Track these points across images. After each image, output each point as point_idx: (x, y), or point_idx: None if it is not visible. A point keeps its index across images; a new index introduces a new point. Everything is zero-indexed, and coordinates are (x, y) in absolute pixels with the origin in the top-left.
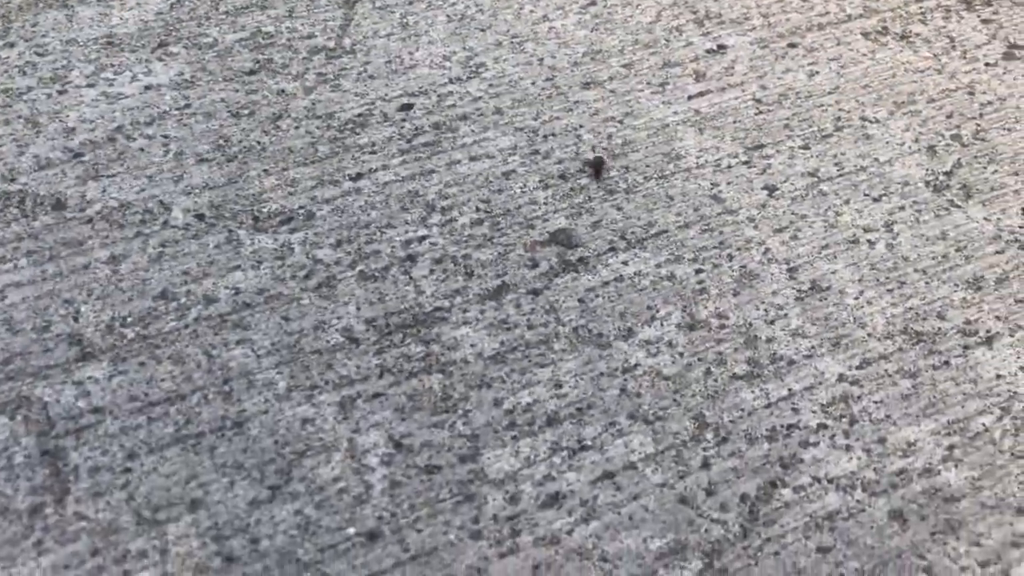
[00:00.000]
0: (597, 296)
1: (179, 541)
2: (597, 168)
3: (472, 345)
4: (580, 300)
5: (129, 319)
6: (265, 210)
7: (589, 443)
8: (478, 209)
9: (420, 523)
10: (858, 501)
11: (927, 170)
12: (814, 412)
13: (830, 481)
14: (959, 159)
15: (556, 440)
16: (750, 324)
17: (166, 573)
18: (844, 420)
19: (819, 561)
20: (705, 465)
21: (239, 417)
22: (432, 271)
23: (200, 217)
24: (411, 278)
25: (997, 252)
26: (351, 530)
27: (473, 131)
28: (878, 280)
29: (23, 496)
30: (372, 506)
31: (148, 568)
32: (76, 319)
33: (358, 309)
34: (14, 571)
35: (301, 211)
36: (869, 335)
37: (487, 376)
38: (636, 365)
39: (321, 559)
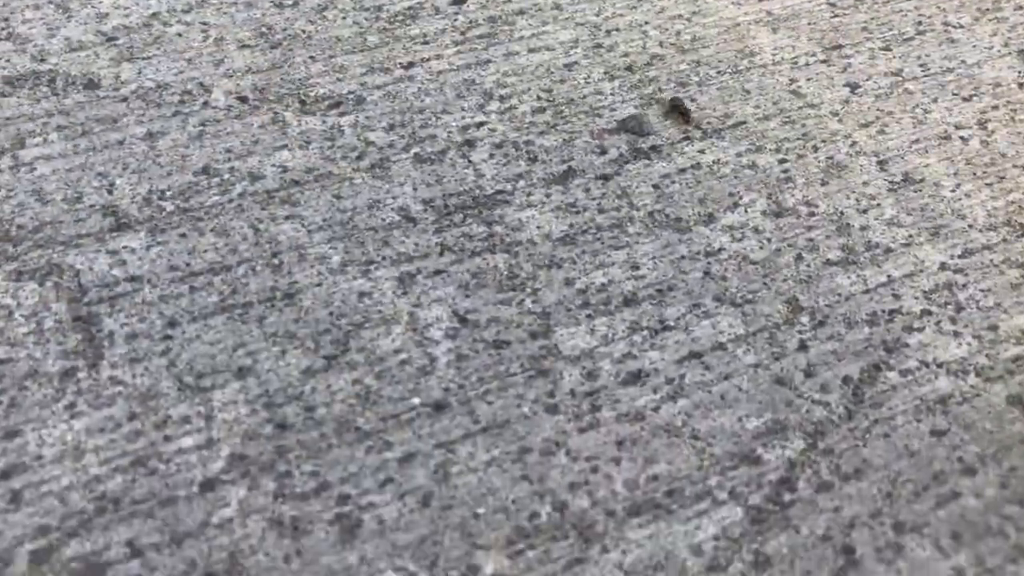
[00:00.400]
0: (673, 183)
1: (225, 407)
2: (681, 110)
3: (538, 227)
4: (655, 186)
5: (168, 192)
6: (312, 94)
7: (672, 324)
8: (539, 98)
9: (490, 396)
10: (972, 386)
11: (1019, 72)
12: (916, 298)
13: (939, 366)
14: None
15: (635, 320)
16: (841, 213)
17: (211, 439)
18: (950, 307)
19: (934, 444)
20: (802, 347)
21: (290, 289)
22: (492, 155)
23: (243, 99)
24: (470, 162)
25: None
26: (415, 400)
27: (531, 25)
28: (975, 174)
29: (54, 360)
30: (437, 378)
31: (191, 434)
32: (110, 191)
33: (414, 190)
34: (45, 433)
35: (351, 96)
36: (970, 226)
37: (556, 257)
38: (720, 249)
39: (383, 428)
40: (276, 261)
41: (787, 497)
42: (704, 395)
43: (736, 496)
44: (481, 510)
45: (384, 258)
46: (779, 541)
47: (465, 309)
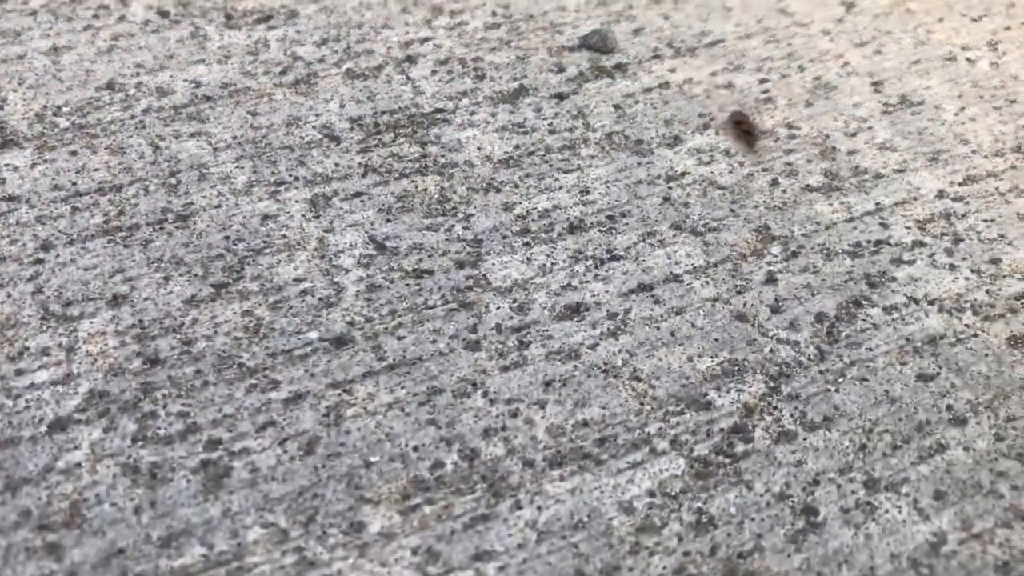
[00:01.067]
0: (637, 103)
1: (91, 339)
2: (745, 127)
3: (479, 148)
4: (615, 106)
5: (64, 108)
6: (240, 7)
7: (621, 253)
8: (495, 13)
9: (402, 330)
10: (967, 325)
11: None
12: (908, 228)
13: (931, 302)
14: None
15: (580, 249)
16: (827, 136)
17: (70, 373)
18: (946, 238)
19: (919, 390)
20: (770, 280)
21: (184, 210)
22: (434, 72)
23: (163, 14)
24: (409, 78)
25: None
26: (312, 335)
27: None
28: (982, 97)
29: None
30: (342, 310)
31: (48, 367)
32: (1, 107)
33: (341, 107)
34: None
35: (283, 10)
36: (973, 152)
37: (496, 180)
38: (684, 173)
39: (271, 365)
40: (173, 181)
41: (740, 448)
42: (651, 331)
43: (679, 446)
44: (375, 458)
45: (297, 179)
46: (726, 499)
47: (384, 235)
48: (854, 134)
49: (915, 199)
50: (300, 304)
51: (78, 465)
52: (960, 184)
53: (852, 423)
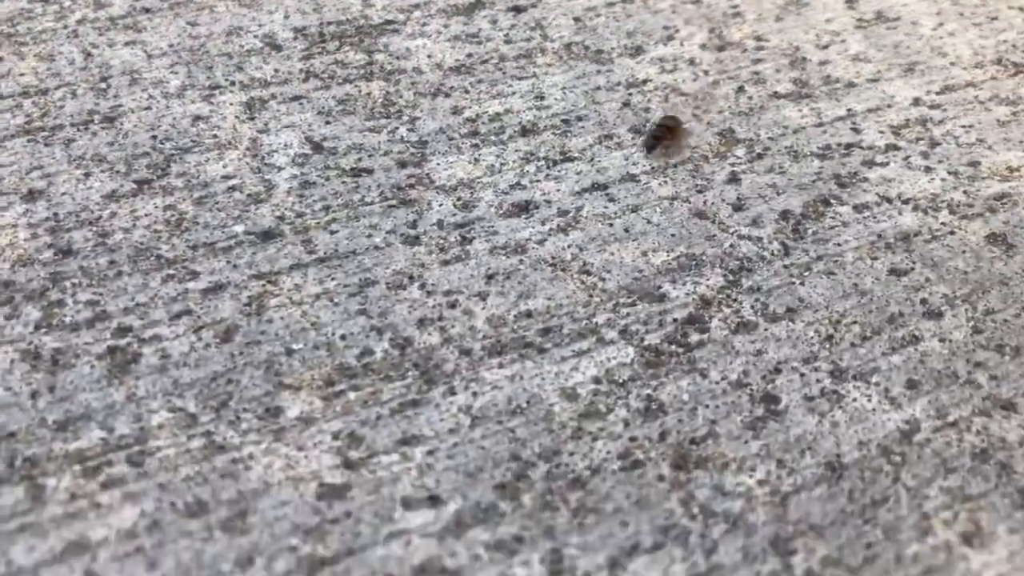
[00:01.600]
0: (599, 15)
1: (1, 231)
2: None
3: (429, 56)
4: (576, 19)
5: None
6: None
7: (576, 155)
8: None
9: (335, 225)
10: (944, 223)
11: None
12: (881, 132)
13: (904, 201)
14: None
15: (531, 151)
16: (797, 47)
17: None
18: (922, 143)
19: (891, 284)
20: (733, 180)
21: (112, 112)
22: None
23: None
24: None
25: None
26: (238, 228)
27: None
28: (961, 14)
29: None
30: (272, 206)
31: None
32: None
33: (286, 17)
34: None
35: None
36: (952, 64)
37: (445, 85)
38: (645, 81)
39: (191, 256)
40: (103, 85)
41: (695, 338)
42: (604, 228)
43: (628, 336)
44: (297, 346)
45: (233, 83)
46: (678, 386)
47: (322, 136)
48: (826, 46)
49: (889, 106)
50: (227, 200)
51: None
52: (937, 93)
53: (818, 314)
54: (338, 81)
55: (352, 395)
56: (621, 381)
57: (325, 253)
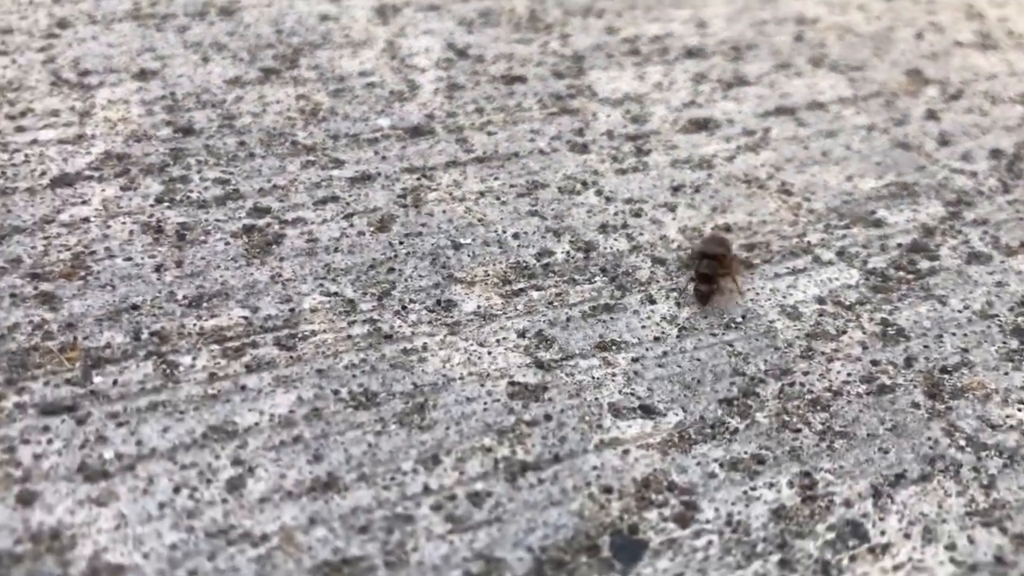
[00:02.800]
0: None
1: (112, 106)
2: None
3: None
4: None
5: None
6: None
7: (752, 80)
8: None
9: (492, 127)
10: None
11: None
12: None
13: None
14: None
15: (702, 72)
16: (970, 4)
17: (82, 135)
18: None
19: None
20: (932, 117)
21: (230, 5)
22: None
23: None
24: None
25: None
26: (383, 122)
27: None
28: None
29: None
30: (419, 104)
31: (55, 127)
32: None
33: None
34: None
35: None
36: None
37: (596, 6)
38: (815, 19)
39: (331, 145)
40: None
41: (924, 265)
42: (798, 150)
43: (848, 258)
44: (465, 240)
45: None
46: (917, 312)
47: (465, 43)
48: (1000, 4)
49: None
50: (367, 94)
51: (85, 220)
52: None
53: None
54: None
55: (535, 294)
56: (848, 303)
57: (484, 153)
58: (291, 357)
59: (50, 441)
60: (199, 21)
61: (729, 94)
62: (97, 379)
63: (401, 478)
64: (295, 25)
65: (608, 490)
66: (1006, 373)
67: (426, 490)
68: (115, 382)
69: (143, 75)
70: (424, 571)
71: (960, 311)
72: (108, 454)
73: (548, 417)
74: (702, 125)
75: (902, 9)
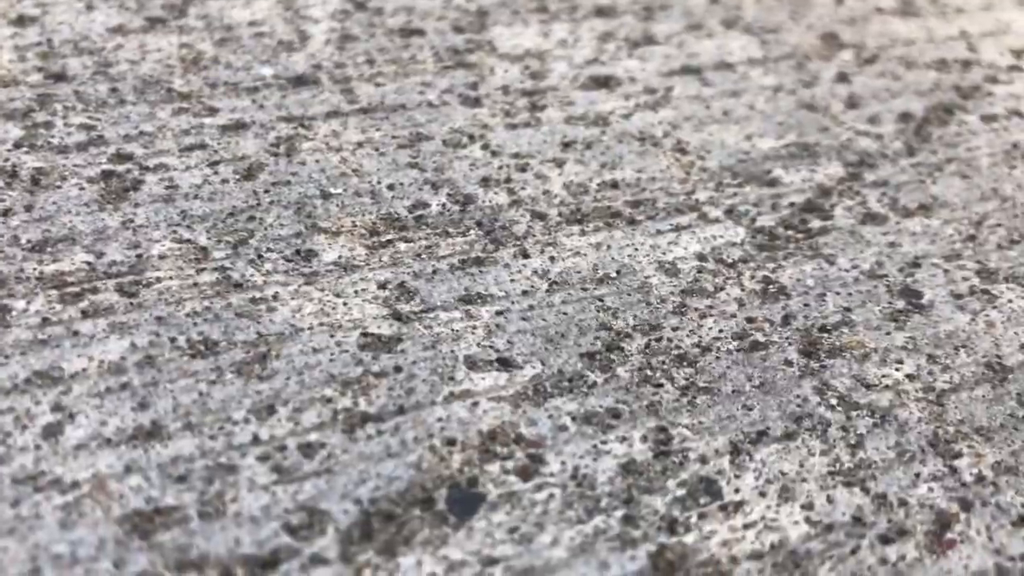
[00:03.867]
0: None
1: None
2: None
3: None
4: None
5: None
6: None
7: (659, 39)
8: None
9: (381, 78)
10: None
11: None
12: (1001, 54)
13: None
14: None
15: (609, 31)
16: None
17: None
18: None
19: None
20: (842, 79)
21: None
22: None
23: None
24: None
25: None
26: (266, 71)
27: None
28: None
29: None
30: (307, 54)
31: None
32: None
33: None
34: None
35: None
36: None
37: None
38: None
39: (208, 93)
40: None
41: (816, 224)
42: (699, 108)
43: (737, 216)
44: (336, 190)
45: None
46: (801, 270)
47: None
48: None
49: (1007, 31)
50: (254, 44)
51: None
52: None
53: (955, 213)
54: None
55: (402, 246)
56: (730, 261)
57: (369, 104)
58: (131, 303)
59: None
60: None
61: (635, 53)
62: None
63: (230, 428)
64: None
65: (451, 442)
66: (888, 333)
67: (255, 440)
68: None
69: (20, 21)
70: (240, 522)
71: (847, 270)
72: None
73: (398, 369)
74: (603, 83)
75: None
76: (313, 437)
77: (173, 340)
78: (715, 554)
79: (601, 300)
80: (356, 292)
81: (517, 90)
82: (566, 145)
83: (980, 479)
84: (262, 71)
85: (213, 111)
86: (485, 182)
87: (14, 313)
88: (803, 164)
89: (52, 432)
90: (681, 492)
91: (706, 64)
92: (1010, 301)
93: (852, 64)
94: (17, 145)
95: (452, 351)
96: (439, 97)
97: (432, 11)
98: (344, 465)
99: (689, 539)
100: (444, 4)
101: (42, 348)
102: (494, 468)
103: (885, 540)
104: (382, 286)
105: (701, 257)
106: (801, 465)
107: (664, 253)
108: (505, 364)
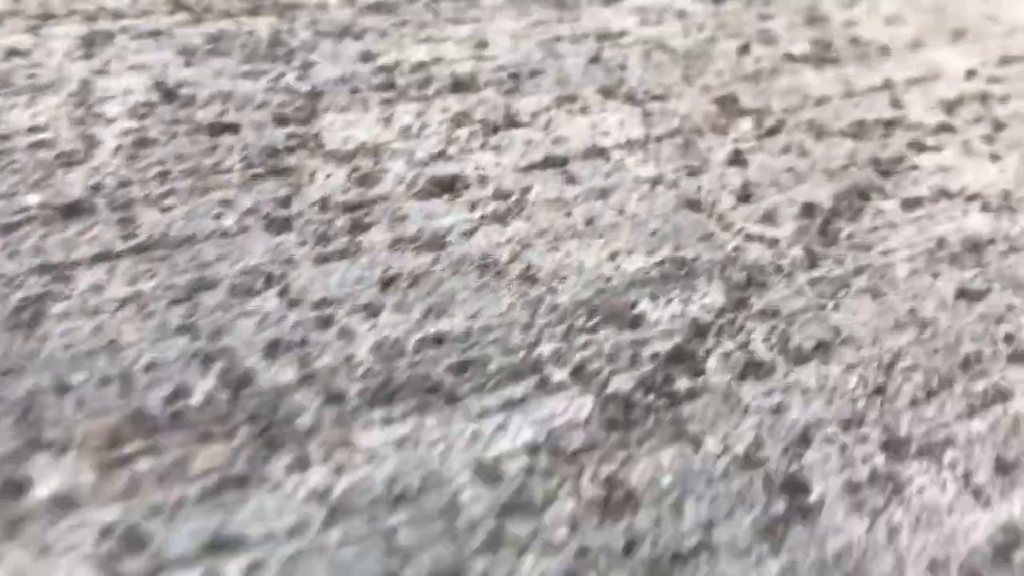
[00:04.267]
0: None
1: None
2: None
3: None
4: None
5: None
6: None
7: (525, 119)
8: None
9: (171, 199)
10: None
11: None
12: (930, 109)
13: (969, 198)
14: None
15: (465, 111)
16: (813, 6)
17: None
18: (982, 123)
19: (961, 310)
20: (737, 160)
21: None
22: None
23: None
24: None
25: None
26: (31, 199)
27: None
28: None
29: None
30: (87, 170)
31: None
32: None
33: None
34: None
35: None
36: (1010, 31)
37: (357, 25)
38: (622, 33)
39: None
40: None
41: (683, 384)
42: (557, 217)
43: (586, 378)
44: (78, 378)
45: (72, 12)
46: (657, 464)
47: (179, 81)
48: (849, 4)
49: (936, 77)
50: (27, 159)
51: None
52: (996, 65)
53: (861, 353)
54: (214, 20)
55: (144, 465)
56: (570, 451)
57: (148, 238)
58: None
59: None
60: None
61: (491, 140)
62: None
63: None
64: None
65: None
66: (758, 560)
67: None
68: None
69: None
70: None
71: (716, 457)
72: None
73: None
74: (446, 186)
75: (730, 15)
76: None
77: None
78: None
79: (394, 533)
80: (67, 548)
81: (338, 204)
82: (387, 283)
83: None
84: (27, 199)
85: None
86: (272, 349)
87: None
88: (676, 290)
89: None
90: None
91: (574, 152)
92: (921, 490)
93: (751, 137)
94: None
95: None
96: (238, 221)
97: (253, 96)
98: None
99: None
100: (270, 87)
101: None
102: None
103: None
104: (106, 532)
105: (533, 450)
106: None
107: (486, 448)
108: None
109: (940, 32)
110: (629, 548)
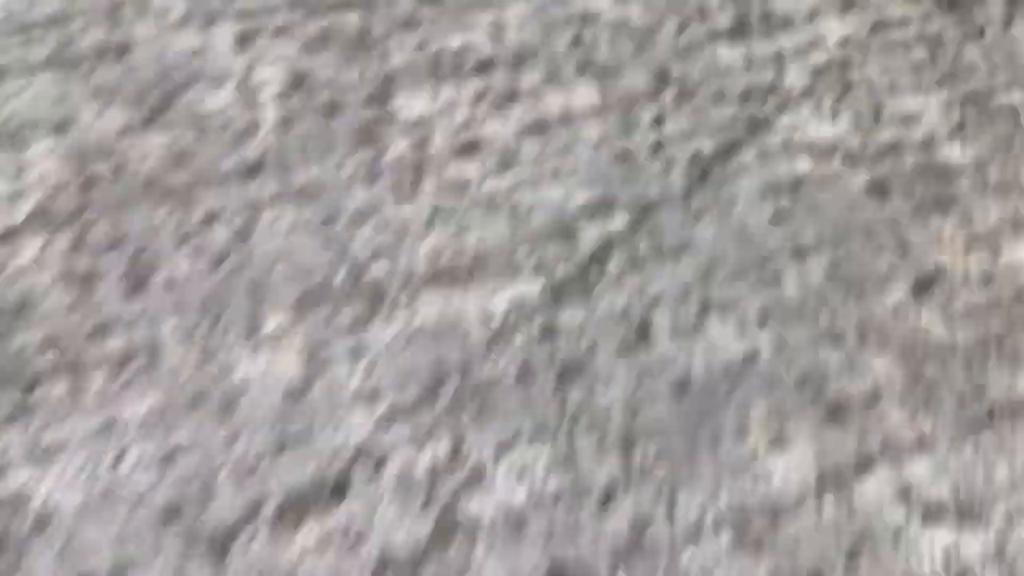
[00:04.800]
0: None
1: (40, 160)
2: None
3: None
4: None
5: None
6: None
7: (523, 94)
8: None
9: (311, 161)
10: (835, 170)
11: None
12: (802, 75)
13: (804, 148)
14: None
15: (482, 89)
16: None
17: (18, 191)
18: (838, 86)
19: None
20: (657, 123)
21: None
22: None
23: None
24: None
25: None
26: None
27: None
28: None
29: None
30: (259, 140)
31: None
32: None
33: None
34: None
35: None
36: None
37: (416, 17)
38: (598, 15)
39: (192, 186)
40: (115, 15)
41: (593, 275)
42: (535, 169)
43: (542, 269)
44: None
45: (227, 14)
46: (572, 315)
47: (304, 69)
48: None
49: (818, 46)
50: (220, 134)
51: (23, 269)
52: (868, 32)
53: (700, 256)
54: (321, 11)
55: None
56: (528, 310)
57: (300, 187)
58: None
59: None
60: (99, 62)
61: (500, 112)
62: None
63: None
64: (173, 63)
65: None
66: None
67: None
68: None
69: (61, 127)
70: None
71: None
72: None
73: None
74: (470, 148)
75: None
76: None
77: None
78: None
79: (438, 348)
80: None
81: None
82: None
83: (644, 468)
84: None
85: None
86: (375, 255)
87: None
88: (600, 216)
89: None
90: None
91: (552, 118)
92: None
93: (670, 105)
94: (73, 248)
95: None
96: (351, 176)
97: (351, 83)
98: None
99: None
100: (361, 74)
101: None
102: None
103: None
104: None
105: (509, 308)
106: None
107: (486, 306)
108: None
109: (834, 2)
110: (551, 355)
